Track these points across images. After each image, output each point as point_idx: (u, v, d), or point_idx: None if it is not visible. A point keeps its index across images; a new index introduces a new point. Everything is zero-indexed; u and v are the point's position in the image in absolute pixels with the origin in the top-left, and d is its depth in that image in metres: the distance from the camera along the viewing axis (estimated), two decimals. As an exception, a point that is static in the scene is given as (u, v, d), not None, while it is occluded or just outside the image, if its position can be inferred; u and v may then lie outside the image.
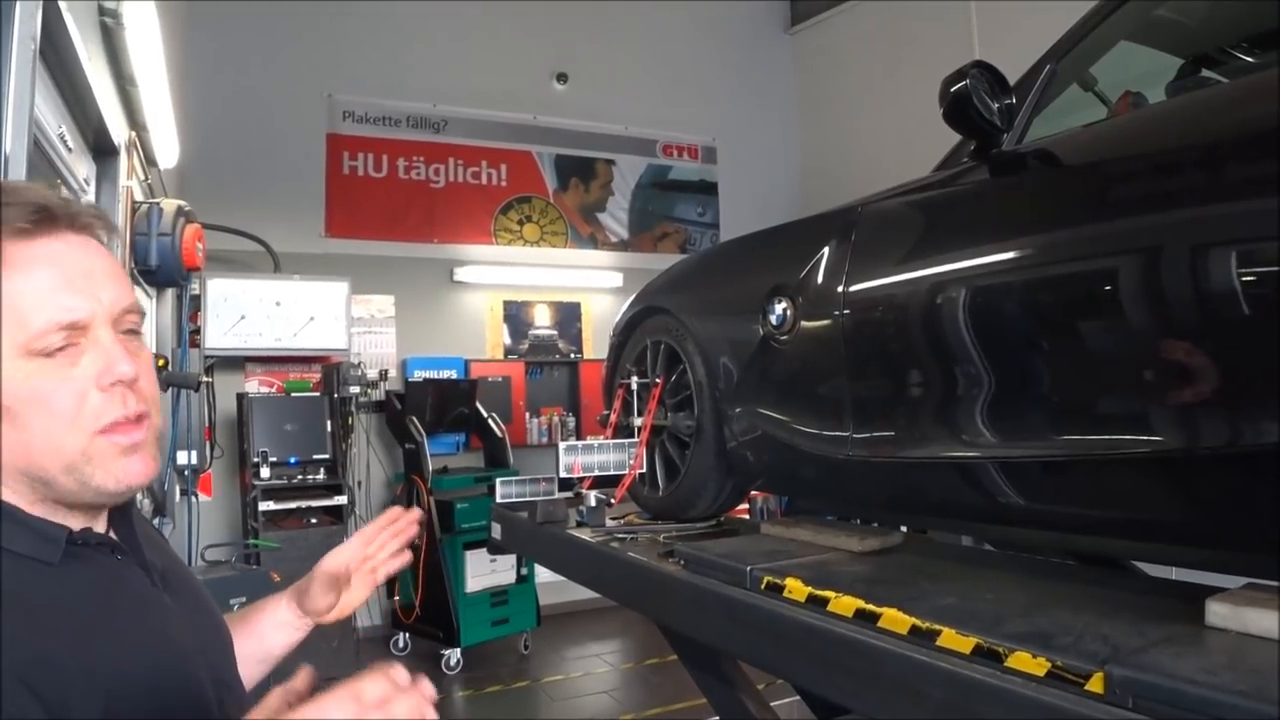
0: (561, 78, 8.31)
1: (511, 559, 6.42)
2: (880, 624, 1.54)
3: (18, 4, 1.81)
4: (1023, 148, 1.80)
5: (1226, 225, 1.30)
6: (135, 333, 1.04)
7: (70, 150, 2.87)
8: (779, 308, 2.20)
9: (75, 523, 1.00)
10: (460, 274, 7.74)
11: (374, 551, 1.45)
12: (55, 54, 2.42)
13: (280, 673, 1.15)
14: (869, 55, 8.28)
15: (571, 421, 7.95)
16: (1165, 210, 1.42)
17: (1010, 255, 1.64)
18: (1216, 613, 1.32)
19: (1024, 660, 1.29)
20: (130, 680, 0.94)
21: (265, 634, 1.40)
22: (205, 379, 5.09)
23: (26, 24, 1.86)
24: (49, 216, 0.96)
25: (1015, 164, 1.80)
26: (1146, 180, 1.51)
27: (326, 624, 1.44)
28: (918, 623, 1.48)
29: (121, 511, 1.10)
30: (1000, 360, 1.66)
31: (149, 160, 4.54)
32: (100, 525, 1.06)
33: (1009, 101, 1.79)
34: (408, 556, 1.47)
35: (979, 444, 1.69)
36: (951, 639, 1.41)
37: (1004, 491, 1.71)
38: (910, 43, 7.60)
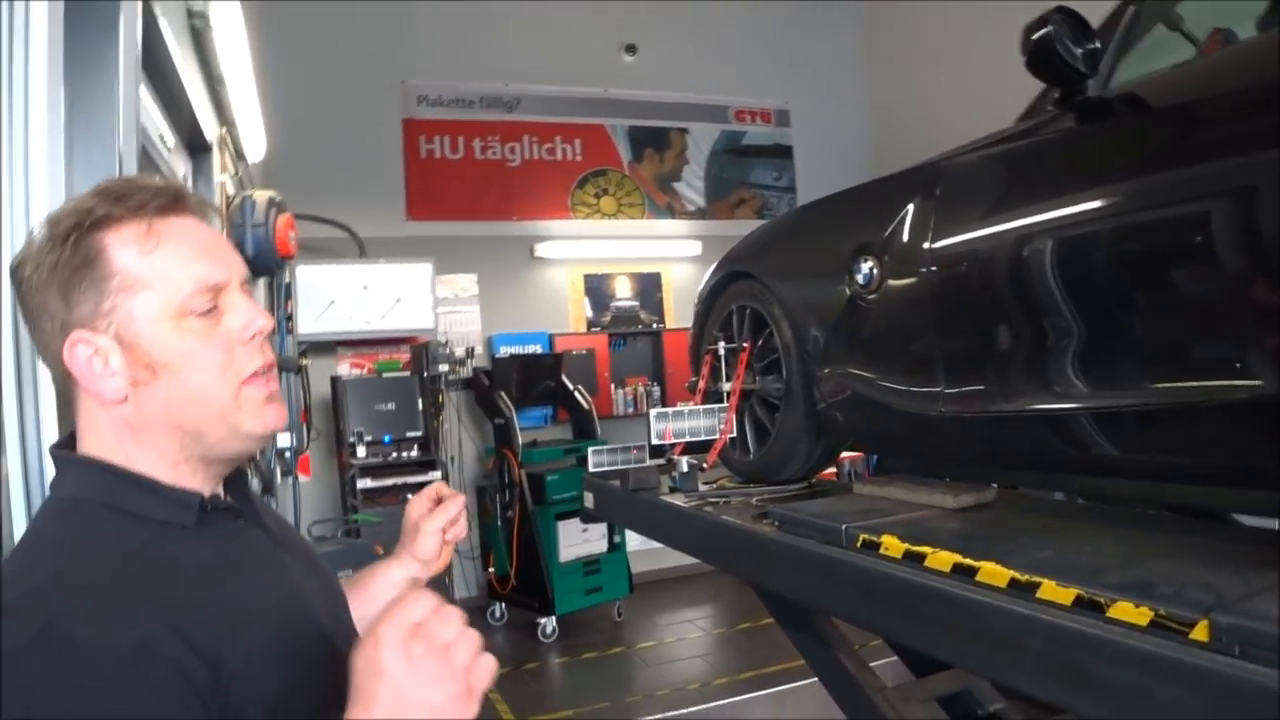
0: (630, 49, 8.29)
1: (603, 528, 6.53)
2: (978, 578, 1.53)
3: (122, 18, 1.90)
4: (1109, 93, 1.76)
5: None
6: None
7: (170, 150, 3.00)
8: (865, 267, 2.19)
9: (205, 490, 1.09)
10: (540, 250, 7.82)
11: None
12: (153, 61, 2.54)
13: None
14: (940, 12, 8.05)
15: (656, 391, 8.00)
16: (1258, 150, 1.38)
17: (1100, 203, 1.61)
18: (1325, 559, 1.30)
19: (1126, 610, 1.28)
20: (263, 627, 1.02)
21: (377, 596, 1.45)
22: (303, 362, 5.27)
23: (130, 35, 1.96)
24: (180, 198, 1.08)
25: (1103, 109, 1.76)
26: (1240, 120, 1.47)
27: (435, 575, 1.52)
28: (1017, 575, 1.47)
29: (236, 482, 1.18)
30: (1092, 310, 1.64)
31: (238, 155, 4.70)
32: (220, 494, 1.14)
33: (1093, 46, 1.75)
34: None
35: (1073, 395, 1.67)
36: (1052, 591, 1.40)
37: (1098, 443, 1.69)
38: (983, -4, 7.36)
